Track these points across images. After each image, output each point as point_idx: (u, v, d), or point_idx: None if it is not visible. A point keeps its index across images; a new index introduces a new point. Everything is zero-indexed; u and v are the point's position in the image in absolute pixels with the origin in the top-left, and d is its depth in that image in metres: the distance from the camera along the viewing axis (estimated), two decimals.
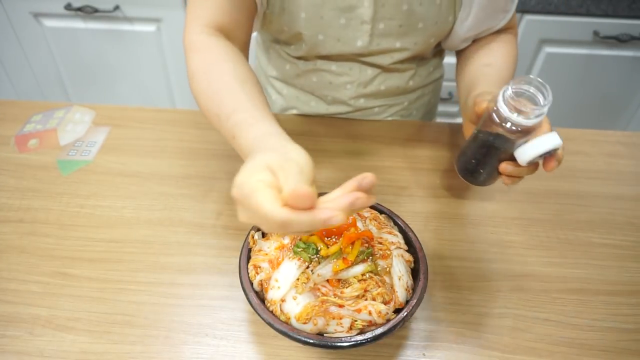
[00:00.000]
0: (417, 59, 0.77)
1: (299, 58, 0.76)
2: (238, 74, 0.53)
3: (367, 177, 0.37)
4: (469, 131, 0.58)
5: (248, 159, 0.41)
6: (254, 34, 0.70)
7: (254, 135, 0.45)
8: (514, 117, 0.47)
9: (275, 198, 0.35)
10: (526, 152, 0.49)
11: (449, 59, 0.85)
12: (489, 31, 0.71)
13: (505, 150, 0.51)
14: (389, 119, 0.83)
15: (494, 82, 0.62)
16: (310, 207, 0.35)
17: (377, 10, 0.65)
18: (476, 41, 0.74)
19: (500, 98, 0.48)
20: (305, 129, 0.78)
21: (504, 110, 0.47)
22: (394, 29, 0.68)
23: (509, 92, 0.47)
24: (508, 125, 0.48)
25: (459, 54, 0.78)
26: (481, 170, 0.55)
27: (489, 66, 0.66)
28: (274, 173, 0.37)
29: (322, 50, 0.71)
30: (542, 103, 0.47)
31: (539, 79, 0.46)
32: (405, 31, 0.68)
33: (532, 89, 0.47)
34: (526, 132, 0.48)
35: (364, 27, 0.67)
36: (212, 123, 0.53)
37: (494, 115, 0.49)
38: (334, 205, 0.35)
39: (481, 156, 0.54)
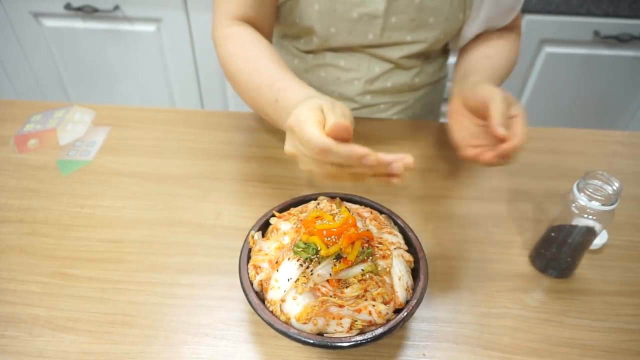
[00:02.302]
0: (423, 57, 0.77)
1: (308, 52, 0.76)
2: (274, 56, 0.60)
3: (408, 158, 0.43)
4: (456, 107, 0.60)
5: (301, 103, 0.47)
6: None
7: (302, 95, 0.50)
8: (595, 204, 0.50)
9: (322, 129, 0.42)
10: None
11: (451, 59, 0.85)
12: (495, 28, 0.73)
13: (591, 239, 0.55)
14: (394, 117, 0.83)
15: (491, 73, 0.66)
16: (347, 141, 0.42)
17: (390, 4, 0.66)
18: (481, 35, 0.75)
19: (575, 190, 0.52)
20: None
21: (583, 200, 0.51)
22: (406, 23, 0.69)
23: (584, 183, 0.51)
24: (588, 215, 0.51)
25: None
26: (577, 262, 0.58)
27: (489, 57, 0.69)
28: (323, 113, 0.44)
29: (333, 43, 0.71)
30: (612, 192, 0.50)
31: (605, 173, 0.51)
32: (416, 25, 0.69)
33: (599, 182, 0.51)
34: (601, 217, 0.52)
35: (377, 21, 0.68)
36: (250, 95, 0.59)
37: (573, 208, 0.52)
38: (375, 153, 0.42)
39: (571, 250, 0.56)
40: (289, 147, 0.46)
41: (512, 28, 0.74)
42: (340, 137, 0.42)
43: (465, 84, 0.61)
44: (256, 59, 0.59)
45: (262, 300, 0.47)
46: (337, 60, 0.75)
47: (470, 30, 0.72)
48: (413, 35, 0.71)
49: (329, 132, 0.42)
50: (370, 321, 0.44)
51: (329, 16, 0.67)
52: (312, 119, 0.43)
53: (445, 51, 0.83)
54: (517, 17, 0.73)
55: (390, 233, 0.52)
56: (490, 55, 0.69)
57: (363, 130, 0.78)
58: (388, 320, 0.44)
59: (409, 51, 0.73)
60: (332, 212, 0.49)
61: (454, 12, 0.69)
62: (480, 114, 0.55)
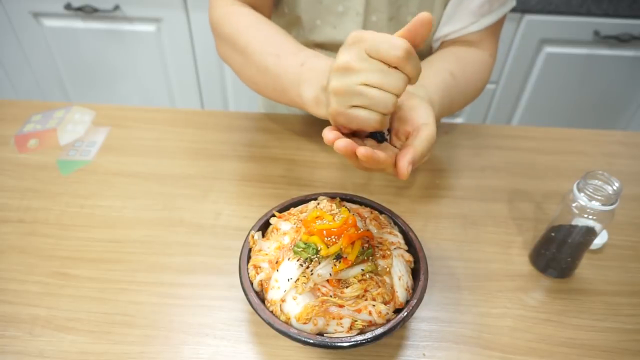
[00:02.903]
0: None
1: None
2: (287, 33, 0.58)
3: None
4: None
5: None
6: None
7: (323, 57, 0.49)
8: (595, 204, 0.50)
9: None
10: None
11: None
12: (457, 33, 0.67)
13: (591, 239, 0.55)
14: None
15: (447, 92, 0.59)
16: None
17: (369, 2, 0.65)
18: (454, 43, 0.70)
19: (575, 190, 0.52)
20: (305, 129, 0.78)
21: (583, 200, 0.51)
22: (385, 23, 0.68)
23: (584, 183, 0.51)
24: (588, 215, 0.51)
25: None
26: (577, 262, 0.58)
27: (453, 77, 0.61)
28: None
29: (317, 37, 0.71)
30: (612, 192, 0.50)
31: (605, 173, 0.51)
32: (395, 25, 0.68)
33: (599, 182, 0.51)
34: (601, 217, 0.52)
35: (358, 18, 0.67)
36: (264, 63, 0.55)
37: (574, 207, 0.52)
38: None
39: (571, 250, 0.56)
40: (346, 57, 0.41)
41: (486, 47, 0.69)
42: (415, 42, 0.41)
43: (415, 91, 0.54)
44: (271, 32, 0.57)
45: (262, 300, 0.47)
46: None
47: (441, 30, 0.68)
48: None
49: (409, 31, 0.40)
50: (370, 321, 0.44)
51: (315, 7, 0.67)
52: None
53: None
54: (492, 34, 0.68)
55: (390, 233, 0.52)
56: (454, 74, 0.62)
57: None
58: (388, 320, 0.44)
59: None
60: (332, 212, 0.49)
61: (436, 13, 0.67)
62: (400, 127, 0.49)
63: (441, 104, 0.57)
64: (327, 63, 0.48)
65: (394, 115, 0.49)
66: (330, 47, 0.73)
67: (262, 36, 0.57)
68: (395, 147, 0.48)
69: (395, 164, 0.45)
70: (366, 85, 0.41)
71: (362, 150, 0.42)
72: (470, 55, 0.67)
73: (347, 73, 0.42)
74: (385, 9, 0.66)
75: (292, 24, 0.72)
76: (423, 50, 0.74)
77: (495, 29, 0.67)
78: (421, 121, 0.47)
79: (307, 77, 0.49)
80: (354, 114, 0.43)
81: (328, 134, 0.44)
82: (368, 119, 0.43)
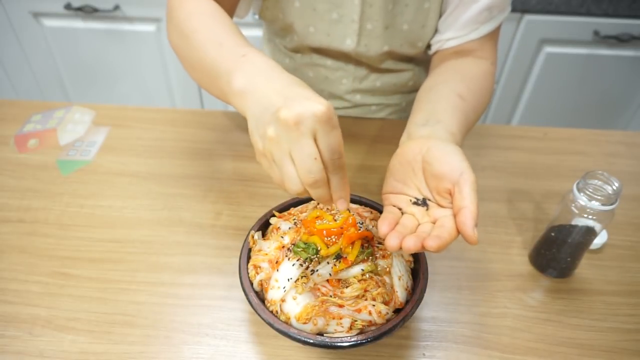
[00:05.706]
0: (414, 61, 0.77)
1: (295, 51, 0.76)
2: (239, 30, 0.54)
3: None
4: (410, 154, 0.50)
5: (294, 81, 0.44)
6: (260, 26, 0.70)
7: (279, 67, 0.47)
8: (595, 204, 0.50)
9: None
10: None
11: None
12: (457, 40, 0.66)
13: (590, 239, 0.55)
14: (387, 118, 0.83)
15: (463, 119, 0.56)
16: None
17: (364, 10, 0.65)
18: (453, 55, 0.68)
19: (575, 190, 0.52)
20: None
21: (583, 200, 0.51)
22: (380, 31, 0.68)
23: (584, 183, 0.51)
24: (588, 215, 0.52)
25: (433, 58, 0.72)
26: (577, 262, 0.58)
27: (463, 100, 0.58)
28: None
29: (312, 43, 0.71)
30: (611, 192, 0.50)
31: (605, 173, 0.51)
32: (391, 33, 0.68)
33: (599, 182, 0.51)
34: (601, 217, 0.52)
35: (353, 25, 0.67)
36: (205, 49, 0.52)
37: (573, 207, 0.52)
38: None
39: (571, 250, 0.56)
40: (298, 116, 0.39)
41: (487, 55, 0.67)
42: None
43: (434, 131, 0.51)
44: (222, 22, 0.54)
45: (262, 300, 0.47)
46: (323, 60, 0.75)
47: (440, 36, 0.67)
48: (390, 44, 0.69)
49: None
50: (370, 321, 0.44)
51: (309, 14, 0.67)
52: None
53: None
54: (492, 40, 0.67)
55: None
56: (464, 97, 0.58)
57: (360, 131, 0.78)
58: (388, 320, 0.45)
59: (390, 61, 0.72)
60: (332, 212, 0.49)
61: (432, 20, 0.67)
62: (439, 185, 0.45)
63: (461, 131, 0.55)
64: (267, 62, 0.46)
65: (427, 173, 0.47)
66: (325, 53, 0.73)
67: (211, 24, 0.54)
68: (441, 206, 0.45)
69: (460, 233, 0.42)
70: (291, 157, 0.41)
71: (433, 244, 0.40)
72: (473, 68, 0.64)
73: (289, 130, 0.39)
74: (381, 17, 0.66)
75: (286, 29, 0.72)
76: (417, 55, 0.74)
77: (494, 35, 0.67)
78: (456, 173, 0.43)
79: (244, 68, 0.46)
80: (274, 169, 0.44)
81: (392, 240, 0.41)
82: (288, 178, 0.43)
